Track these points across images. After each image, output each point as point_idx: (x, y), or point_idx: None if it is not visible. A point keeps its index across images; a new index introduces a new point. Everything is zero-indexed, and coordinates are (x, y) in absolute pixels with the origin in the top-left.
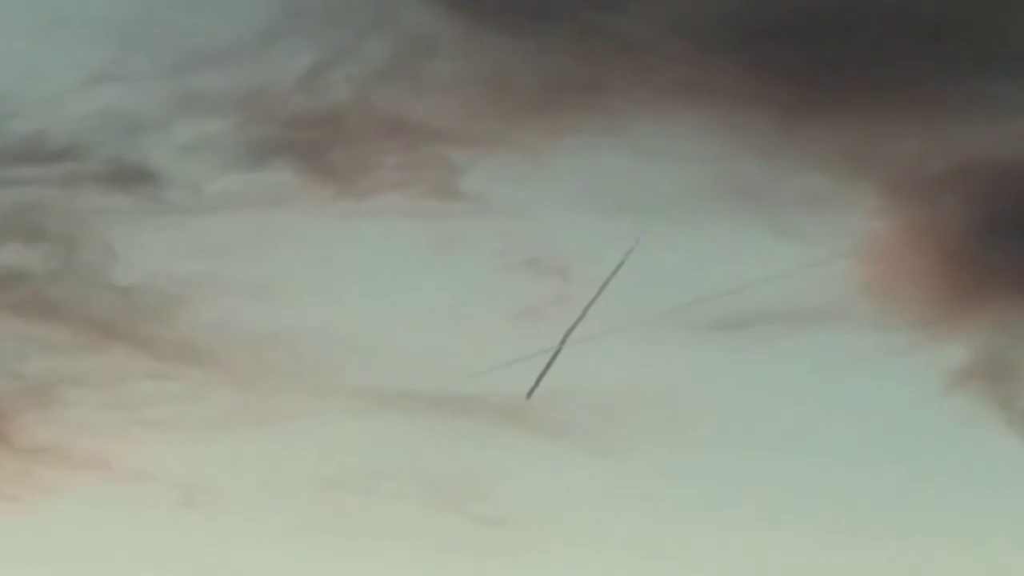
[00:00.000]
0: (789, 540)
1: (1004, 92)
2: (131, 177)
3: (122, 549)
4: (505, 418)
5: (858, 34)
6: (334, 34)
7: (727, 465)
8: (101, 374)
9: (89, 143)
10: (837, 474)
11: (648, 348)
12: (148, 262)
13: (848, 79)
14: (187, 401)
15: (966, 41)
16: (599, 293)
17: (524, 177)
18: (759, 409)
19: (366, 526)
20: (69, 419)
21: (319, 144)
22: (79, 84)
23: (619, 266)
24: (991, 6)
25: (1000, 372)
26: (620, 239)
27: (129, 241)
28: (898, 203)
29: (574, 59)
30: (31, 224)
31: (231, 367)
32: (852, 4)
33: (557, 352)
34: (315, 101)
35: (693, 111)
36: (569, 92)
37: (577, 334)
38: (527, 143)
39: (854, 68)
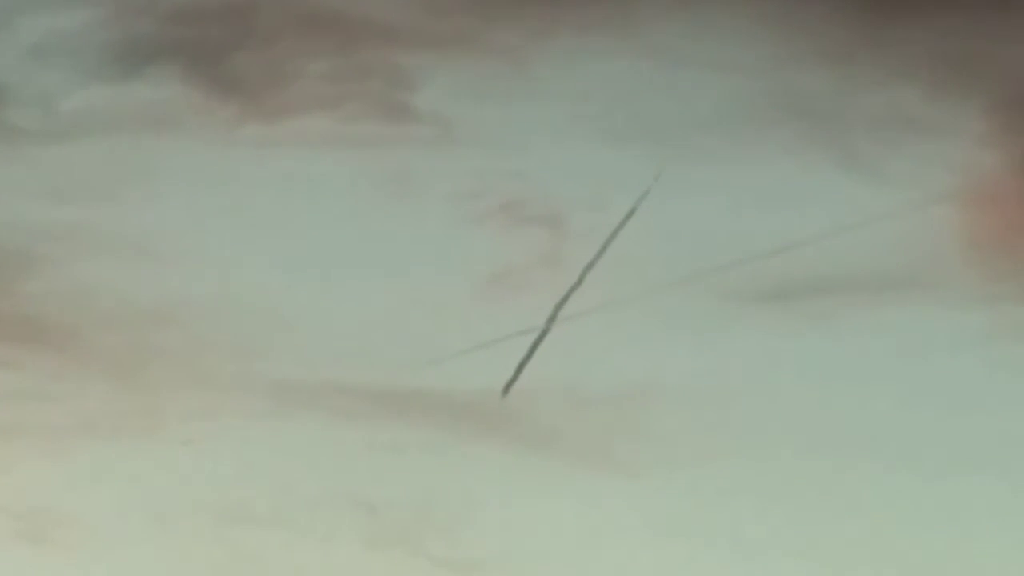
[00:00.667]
0: None
1: None
2: None
3: None
4: (474, 423)
5: None
6: None
7: (780, 487)
8: None
9: None
10: (933, 493)
11: (670, 327)
12: None
13: None
14: (36, 399)
15: None
16: (602, 251)
17: (501, 92)
18: (823, 410)
19: (283, 572)
20: None
21: (217, 45)
22: None
23: (630, 214)
24: None
25: None
26: (632, 177)
27: None
28: (1013, 128)
29: None
30: None
31: (99, 352)
32: None
33: (544, 332)
34: None
35: (733, 3)
36: None
37: (572, 308)
38: (505, 46)
39: None
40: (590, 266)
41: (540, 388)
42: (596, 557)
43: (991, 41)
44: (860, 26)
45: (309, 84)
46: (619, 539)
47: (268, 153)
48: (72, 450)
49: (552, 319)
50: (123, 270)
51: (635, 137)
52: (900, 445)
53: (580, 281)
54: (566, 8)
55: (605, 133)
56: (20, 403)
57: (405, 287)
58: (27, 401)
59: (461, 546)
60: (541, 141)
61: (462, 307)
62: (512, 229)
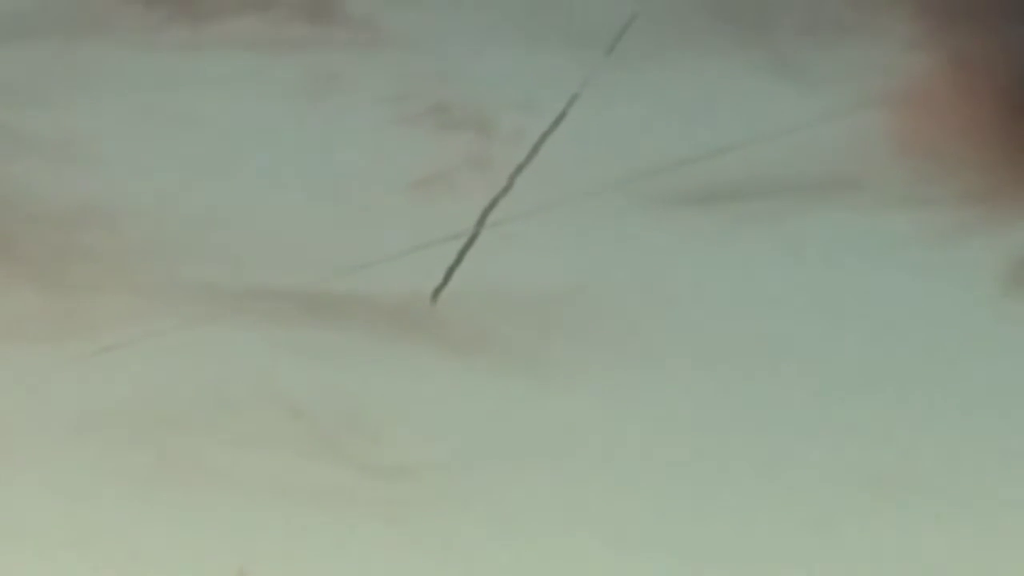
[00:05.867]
0: (792, 494)
1: None
2: None
3: None
4: (402, 328)
5: None
6: None
7: (708, 391)
8: None
9: None
10: (858, 402)
11: (599, 232)
12: None
13: None
14: None
15: None
16: (531, 156)
17: None
18: (752, 315)
19: (209, 478)
20: None
21: None
22: None
23: (560, 118)
24: None
25: None
26: (561, 80)
27: None
28: (943, 30)
29: None
30: None
31: (21, 257)
32: None
33: (474, 237)
34: None
35: None
36: None
37: (500, 212)
38: None
39: None
40: (519, 170)
41: (469, 293)
42: (523, 460)
43: None
44: None
45: None
46: (546, 444)
47: (195, 57)
48: None
49: (481, 223)
50: (49, 172)
51: (565, 41)
52: (826, 349)
53: (509, 185)
54: None
55: (534, 37)
56: None
57: (333, 191)
58: None
59: (389, 452)
60: (470, 45)
61: (391, 211)
62: (440, 132)
